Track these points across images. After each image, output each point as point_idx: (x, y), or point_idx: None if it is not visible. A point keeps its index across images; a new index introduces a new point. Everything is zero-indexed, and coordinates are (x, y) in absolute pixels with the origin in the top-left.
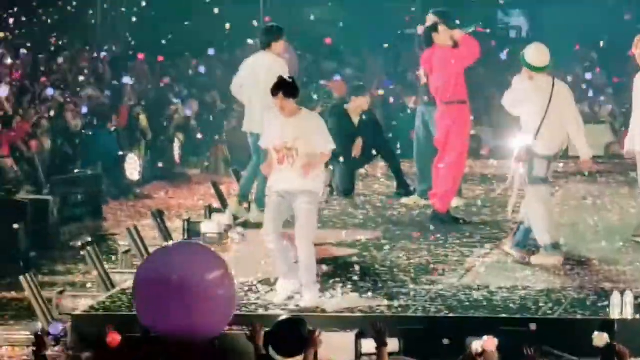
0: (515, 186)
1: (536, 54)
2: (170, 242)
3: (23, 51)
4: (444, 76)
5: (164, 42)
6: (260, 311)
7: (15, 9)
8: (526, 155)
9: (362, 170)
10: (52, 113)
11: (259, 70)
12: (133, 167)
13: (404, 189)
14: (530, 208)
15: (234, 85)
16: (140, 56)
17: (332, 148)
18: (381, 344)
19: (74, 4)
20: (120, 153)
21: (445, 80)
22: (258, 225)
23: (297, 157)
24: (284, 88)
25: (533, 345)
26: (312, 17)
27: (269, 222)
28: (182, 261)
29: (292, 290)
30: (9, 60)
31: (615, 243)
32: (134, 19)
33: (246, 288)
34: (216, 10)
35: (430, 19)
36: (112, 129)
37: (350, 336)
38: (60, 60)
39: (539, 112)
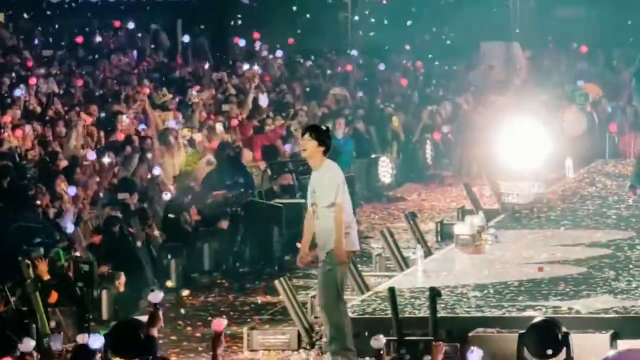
0: None
1: None
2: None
3: (278, 54)
4: None
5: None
6: (514, 313)
7: None
8: None
9: (613, 169)
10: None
11: None
12: (385, 169)
13: None
14: None
15: None
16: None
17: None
18: None
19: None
20: (373, 156)
21: None
22: (511, 227)
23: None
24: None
25: None
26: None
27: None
28: None
29: None
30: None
31: None
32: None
33: (500, 290)
34: None
35: None
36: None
37: (604, 337)
38: (308, 63)
39: None
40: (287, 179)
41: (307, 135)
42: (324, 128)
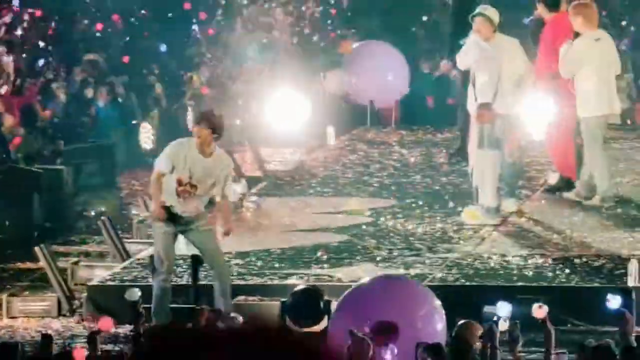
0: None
1: (493, 9)
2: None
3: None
4: None
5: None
6: (276, 281)
7: None
8: (489, 115)
9: (374, 137)
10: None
11: None
12: (147, 135)
13: None
14: (482, 170)
15: None
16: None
17: None
18: None
19: None
20: (134, 122)
21: None
22: (273, 194)
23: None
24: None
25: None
26: None
27: None
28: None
29: None
30: (17, 28)
31: (632, 210)
32: None
33: (262, 257)
34: None
35: None
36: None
37: None
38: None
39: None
40: (58, 145)
41: (201, 124)
42: (218, 115)
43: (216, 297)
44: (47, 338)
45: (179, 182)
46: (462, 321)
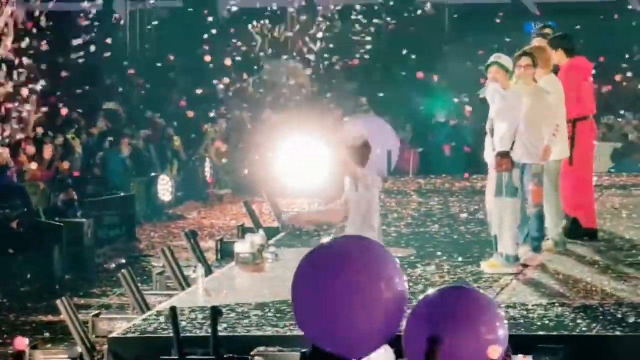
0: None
1: (506, 56)
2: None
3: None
4: None
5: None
6: (295, 331)
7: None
8: (507, 163)
9: (391, 187)
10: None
11: None
12: (165, 187)
13: None
14: (500, 218)
15: None
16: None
17: None
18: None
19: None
20: (153, 174)
21: None
22: (291, 245)
23: None
24: None
25: None
26: None
27: None
28: None
29: None
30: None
31: None
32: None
33: (281, 308)
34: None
35: None
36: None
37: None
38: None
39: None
40: (69, 194)
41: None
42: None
43: None
44: None
45: None
46: None
